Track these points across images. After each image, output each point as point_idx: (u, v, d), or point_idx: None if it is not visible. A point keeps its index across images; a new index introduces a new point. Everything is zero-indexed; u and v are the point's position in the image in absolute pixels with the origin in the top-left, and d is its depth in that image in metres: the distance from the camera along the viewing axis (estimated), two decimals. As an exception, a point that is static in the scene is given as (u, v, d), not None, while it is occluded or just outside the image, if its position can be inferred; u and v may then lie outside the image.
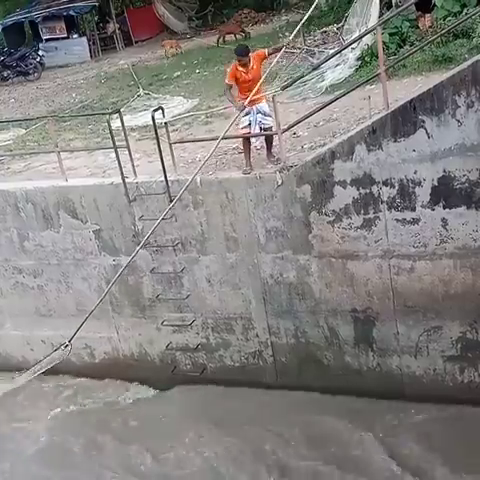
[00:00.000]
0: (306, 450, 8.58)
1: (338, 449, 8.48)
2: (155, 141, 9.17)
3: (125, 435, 9.51)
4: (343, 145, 8.21)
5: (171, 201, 9.10)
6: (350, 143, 8.16)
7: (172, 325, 9.90)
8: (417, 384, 8.86)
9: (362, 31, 12.35)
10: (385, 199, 8.22)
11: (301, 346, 9.34)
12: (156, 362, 10.31)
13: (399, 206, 8.19)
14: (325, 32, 16.30)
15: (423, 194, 8.03)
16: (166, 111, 9.87)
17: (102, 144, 11.44)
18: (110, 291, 10.03)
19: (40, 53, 21.69)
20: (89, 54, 23.69)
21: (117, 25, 24.72)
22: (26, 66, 20.97)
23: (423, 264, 8.32)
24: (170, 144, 9.22)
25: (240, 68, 8.72)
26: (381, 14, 13.00)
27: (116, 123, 10.09)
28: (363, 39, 11.43)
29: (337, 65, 12.28)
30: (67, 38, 23.95)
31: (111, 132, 9.43)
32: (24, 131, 13.75)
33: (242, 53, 8.71)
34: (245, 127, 8.90)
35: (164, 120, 9.36)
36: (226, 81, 8.89)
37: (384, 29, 11.63)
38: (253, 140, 9.26)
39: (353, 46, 11.66)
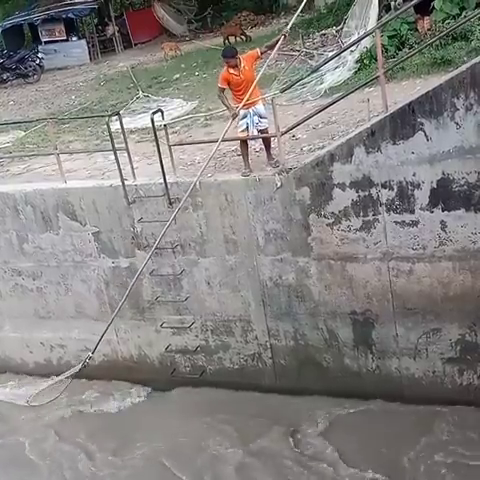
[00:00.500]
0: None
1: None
2: (154, 143, 9.19)
3: (125, 436, 9.50)
4: (342, 147, 8.22)
5: (171, 203, 9.13)
6: (349, 145, 8.17)
7: (171, 327, 9.91)
8: (416, 386, 8.86)
9: (361, 34, 12.34)
10: (384, 201, 8.23)
11: (300, 348, 9.33)
12: (155, 364, 10.30)
13: (398, 208, 8.19)
14: (324, 35, 16.32)
15: (422, 196, 8.03)
16: (165, 113, 9.87)
17: (101, 146, 11.44)
18: (109, 293, 10.08)
19: (39, 55, 21.72)
20: (88, 56, 23.73)
21: (116, 27, 24.76)
22: (25, 68, 20.99)
23: (422, 266, 8.32)
24: (169, 146, 9.23)
25: (231, 70, 8.68)
26: (380, 17, 12.98)
27: (115, 125, 10.11)
28: (362, 42, 11.42)
29: (336, 68, 12.27)
30: (66, 40, 23.96)
31: (110, 134, 9.44)
32: (23, 133, 13.75)
33: (228, 55, 8.69)
34: (243, 131, 8.90)
35: (163, 122, 9.38)
36: (218, 85, 8.82)
37: (383, 32, 11.63)
38: (252, 142, 9.25)
39: (352, 49, 11.65)
